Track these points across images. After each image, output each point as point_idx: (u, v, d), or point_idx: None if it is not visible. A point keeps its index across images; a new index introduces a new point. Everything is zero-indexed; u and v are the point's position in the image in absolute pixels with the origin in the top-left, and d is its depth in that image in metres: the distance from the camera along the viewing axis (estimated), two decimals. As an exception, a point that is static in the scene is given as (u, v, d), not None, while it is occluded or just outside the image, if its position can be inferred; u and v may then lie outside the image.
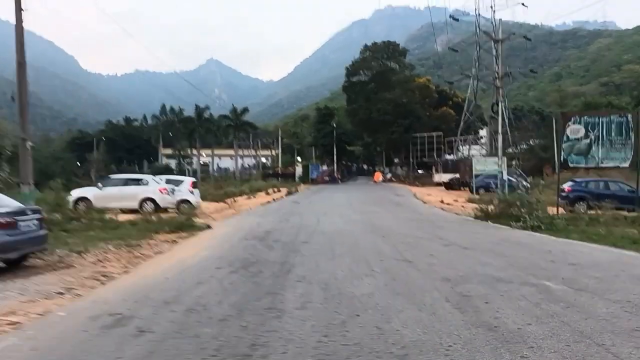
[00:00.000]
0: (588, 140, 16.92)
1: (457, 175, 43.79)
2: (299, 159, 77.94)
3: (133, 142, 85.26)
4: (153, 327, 4.83)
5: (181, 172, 69.51)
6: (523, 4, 44.98)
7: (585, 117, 17.11)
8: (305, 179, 63.78)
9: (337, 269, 7.69)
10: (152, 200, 19.06)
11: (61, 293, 6.82)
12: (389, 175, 69.93)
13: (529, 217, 14.59)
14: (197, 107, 74.54)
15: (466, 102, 59.09)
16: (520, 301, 5.56)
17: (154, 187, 19.54)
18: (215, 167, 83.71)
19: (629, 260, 8.71)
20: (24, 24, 14.51)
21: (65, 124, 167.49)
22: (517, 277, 6.91)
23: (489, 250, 9.74)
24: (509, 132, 46.15)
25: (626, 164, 17.44)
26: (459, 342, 4.15)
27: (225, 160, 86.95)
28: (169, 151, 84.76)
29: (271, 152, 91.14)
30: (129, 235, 12.53)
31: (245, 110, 74.34)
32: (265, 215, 19.68)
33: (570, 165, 17.62)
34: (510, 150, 42.73)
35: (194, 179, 24.01)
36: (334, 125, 69.90)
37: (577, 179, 21.60)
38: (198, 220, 16.06)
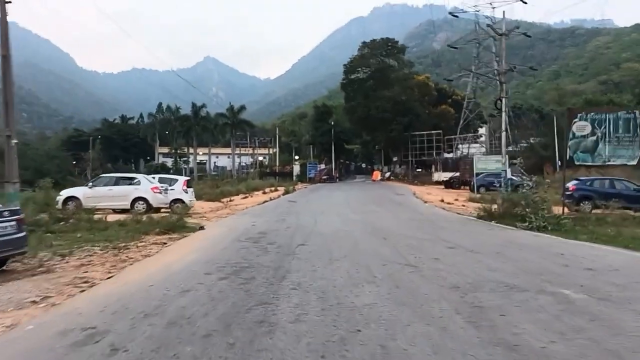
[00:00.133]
0: (595, 138, 16.37)
1: (457, 174, 43.28)
2: (296, 157, 77.38)
3: (129, 141, 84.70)
4: (128, 345, 4.27)
5: (178, 171, 68.97)
6: (522, 1, 44.51)
7: (591, 114, 16.55)
8: (303, 177, 63.25)
9: (336, 275, 7.12)
10: (144, 200, 18.48)
11: (35, 302, 6.26)
12: (387, 174, 69.41)
13: (535, 217, 14.04)
14: (193, 105, 73.97)
15: (465, 100, 58.59)
16: (539, 313, 5.01)
17: (146, 186, 18.95)
18: (212, 165, 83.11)
19: (646, 264, 8.17)
20: (8, 16, 13.93)
21: (62, 122, 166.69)
22: (532, 284, 6.34)
23: (496, 253, 9.18)
24: (508, 130, 45.72)
25: (634, 162, 16.90)
26: (476, 365, 3.60)
27: (223, 158, 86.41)
28: (165, 150, 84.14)
29: (268, 150, 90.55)
30: (117, 236, 11.97)
31: (242, 108, 73.73)
32: (261, 215, 19.11)
33: (576, 163, 17.07)
34: (510, 148, 42.18)
35: (187, 178, 23.38)
36: (332, 123, 69.28)
37: (582, 178, 21.04)
38: (191, 221, 15.50)
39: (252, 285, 6.57)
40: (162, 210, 18.86)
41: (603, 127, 16.29)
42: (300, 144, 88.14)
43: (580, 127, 16.31)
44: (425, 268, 7.56)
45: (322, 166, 70.14)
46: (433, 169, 57.16)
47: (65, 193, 18.98)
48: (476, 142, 60.93)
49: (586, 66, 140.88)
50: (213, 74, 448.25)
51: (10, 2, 13.93)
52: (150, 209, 18.21)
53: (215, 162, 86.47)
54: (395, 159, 73.38)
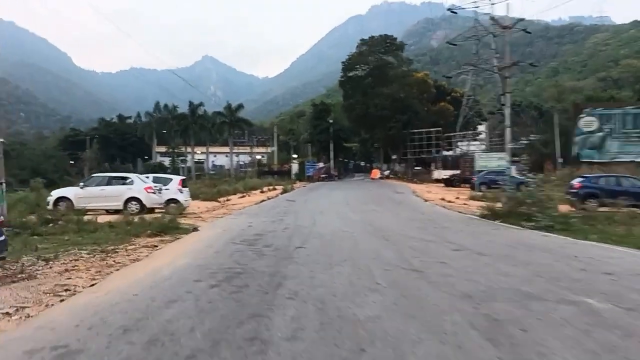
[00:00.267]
0: (602, 134, 15.88)
1: (458, 172, 42.81)
2: (294, 156, 76.77)
3: (126, 140, 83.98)
4: (101, 368, 3.74)
5: (175, 170, 68.35)
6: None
7: (599, 109, 16.07)
8: (302, 176, 62.67)
9: (336, 282, 6.59)
10: (138, 200, 17.93)
11: (8, 314, 5.71)
12: (387, 172, 68.88)
13: (542, 216, 13.53)
14: (190, 103, 73.30)
15: (465, 97, 58.09)
16: (564, 328, 4.48)
17: (140, 186, 18.39)
18: (210, 164, 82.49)
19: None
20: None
21: (60, 122, 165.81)
22: (550, 292, 5.82)
23: (506, 256, 8.66)
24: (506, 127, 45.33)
25: (644, 159, 16.39)
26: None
27: (221, 157, 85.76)
28: (163, 149, 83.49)
29: (267, 149, 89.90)
30: (106, 239, 11.42)
31: (239, 106, 73.05)
32: (259, 215, 18.58)
33: (583, 159, 16.56)
34: (510, 145, 41.78)
35: (182, 177, 22.83)
36: (331, 121, 68.67)
37: (587, 175, 20.56)
38: (185, 222, 14.96)
39: (244, 294, 6.03)
40: (157, 210, 18.33)
41: (610, 122, 15.78)
42: (299, 143, 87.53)
43: (587, 122, 15.84)
44: (432, 273, 7.03)
45: (321, 165, 69.59)
46: (433, 167, 56.69)
47: (56, 193, 18.43)
48: (476, 140, 60.44)
49: (585, 63, 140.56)
50: (211, 72, 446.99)
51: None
52: (143, 209, 17.67)
53: (213, 161, 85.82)
54: (394, 157, 72.84)
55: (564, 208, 16.55)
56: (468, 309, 5.11)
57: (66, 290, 6.93)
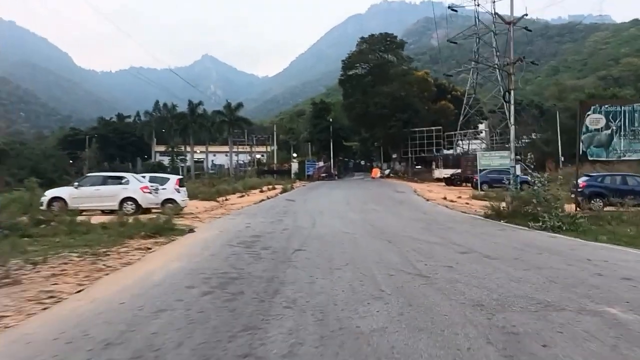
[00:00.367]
0: (609, 131, 15.43)
1: (459, 171, 42.41)
2: (294, 155, 76.34)
3: (126, 139, 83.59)
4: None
5: (175, 170, 67.96)
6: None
7: (606, 106, 15.59)
8: (301, 175, 62.27)
9: (337, 288, 6.17)
10: (133, 200, 17.52)
11: (-14, 324, 5.32)
12: (387, 172, 68.45)
13: (548, 216, 13.13)
14: (190, 102, 72.89)
15: (466, 95, 57.67)
16: (589, 342, 4.06)
17: (135, 185, 17.96)
18: (209, 164, 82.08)
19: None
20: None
21: (60, 121, 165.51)
22: (568, 301, 5.40)
23: (515, 259, 8.24)
24: (509, 125, 45.03)
25: (652, 157, 15.97)
26: None
27: (221, 157, 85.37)
28: (162, 148, 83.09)
29: (266, 148, 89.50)
30: (99, 241, 10.99)
31: (239, 105, 72.63)
32: (257, 215, 18.16)
33: (590, 158, 16.14)
34: (514, 144, 41.45)
35: (180, 177, 22.41)
36: (330, 120, 68.25)
37: (592, 173, 20.13)
38: (181, 222, 14.56)
39: (239, 302, 5.61)
40: (153, 210, 17.92)
41: (618, 120, 15.35)
42: (299, 142, 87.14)
43: (594, 120, 15.36)
44: (439, 279, 6.61)
45: (321, 164, 69.19)
46: (433, 166, 56.31)
47: (49, 193, 18.01)
48: (476, 139, 60.04)
49: (585, 62, 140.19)
50: (211, 72, 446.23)
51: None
52: (139, 209, 17.26)
53: (213, 161, 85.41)
54: (394, 155, 72.40)
55: (568, 208, 16.15)
56: (482, 320, 4.69)
57: (51, 297, 6.52)
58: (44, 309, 5.95)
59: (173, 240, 11.47)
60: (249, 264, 8.01)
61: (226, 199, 27.24)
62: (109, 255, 9.59)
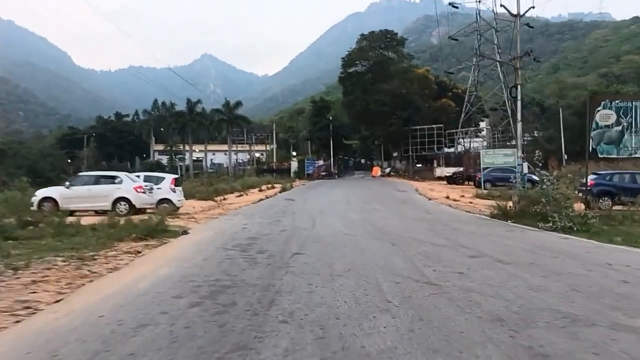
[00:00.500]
0: (620, 128, 14.86)
1: (461, 169, 41.85)
2: (294, 153, 75.75)
3: (124, 138, 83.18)
4: None
5: (173, 168, 67.43)
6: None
7: (616, 102, 15.03)
8: (301, 174, 61.70)
9: (339, 299, 5.61)
10: (127, 200, 16.95)
11: (-51, 340, 4.76)
12: (387, 170, 67.88)
13: (559, 216, 12.57)
14: (188, 101, 72.33)
15: (467, 92, 57.14)
16: (632, 367, 3.51)
17: (129, 185, 17.38)
18: (208, 162, 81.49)
19: None
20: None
21: (59, 121, 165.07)
22: (596, 313, 4.83)
23: (530, 263, 7.68)
24: (511, 122, 44.51)
25: (664, 154, 15.41)
26: None
27: (220, 155, 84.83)
28: (161, 147, 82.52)
29: (266, 147, 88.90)
30: (86, 244, 10.42)
31: (238, 103, 72.03)
32: (255, 215, 17.61)
33: (600, 155, 15.58)
34: (513, 142, 40.89)
35: (175, 176, 21.84)
36: (330, 118, 67.64)
37: (600, 172, 19.58)
38: (175, 224, 14.00)
39: (230, 315, 5.05)
40: (148, 211, 17.36)
41: (629, 116, 14.78)
42: (298, 140, 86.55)
43: (605, 116, 14.80)
44: (451, 287, 6.04)
45: (321, 162, 68.63)
46: (435, 164, 55.74)
47: (40, 193, 17.44)
48: (478, 137, 59.50)
49: (585, 59, 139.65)
50: (210, 70, 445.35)
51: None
52: (133, 209, 16.70)
53: (212, 159, 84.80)
54: (395, 154, 71.82)
55: (577, 207, 15.60)
56: (503, 337, 4.13)
57: (26, 307, 5.97)
58: (17, 322, 5.39)
59: (165, 242, 10.92)
60: (243, 270, 7.46)
61: (224, 199, 26.70)
62: (95, 259, 9.02)
